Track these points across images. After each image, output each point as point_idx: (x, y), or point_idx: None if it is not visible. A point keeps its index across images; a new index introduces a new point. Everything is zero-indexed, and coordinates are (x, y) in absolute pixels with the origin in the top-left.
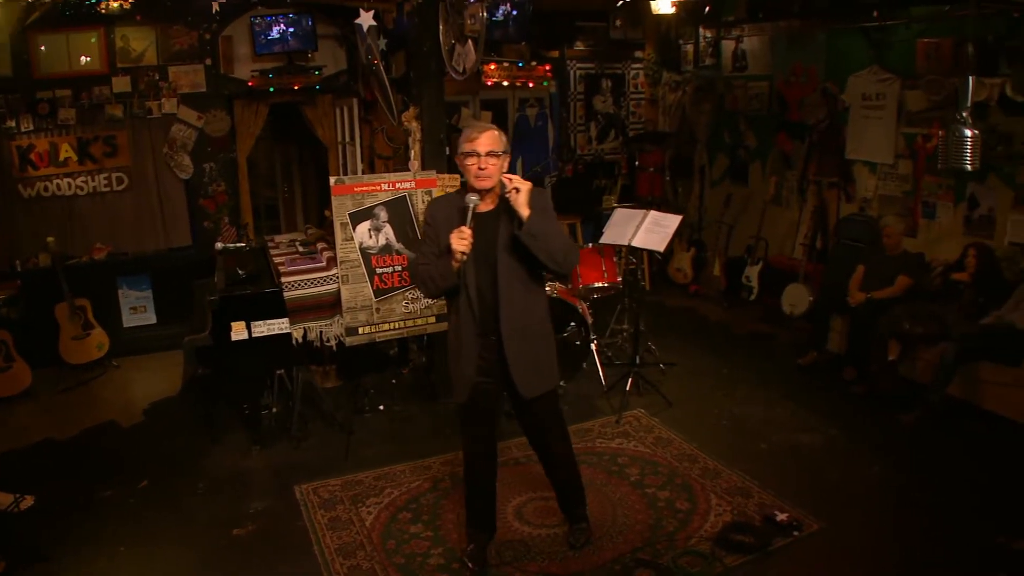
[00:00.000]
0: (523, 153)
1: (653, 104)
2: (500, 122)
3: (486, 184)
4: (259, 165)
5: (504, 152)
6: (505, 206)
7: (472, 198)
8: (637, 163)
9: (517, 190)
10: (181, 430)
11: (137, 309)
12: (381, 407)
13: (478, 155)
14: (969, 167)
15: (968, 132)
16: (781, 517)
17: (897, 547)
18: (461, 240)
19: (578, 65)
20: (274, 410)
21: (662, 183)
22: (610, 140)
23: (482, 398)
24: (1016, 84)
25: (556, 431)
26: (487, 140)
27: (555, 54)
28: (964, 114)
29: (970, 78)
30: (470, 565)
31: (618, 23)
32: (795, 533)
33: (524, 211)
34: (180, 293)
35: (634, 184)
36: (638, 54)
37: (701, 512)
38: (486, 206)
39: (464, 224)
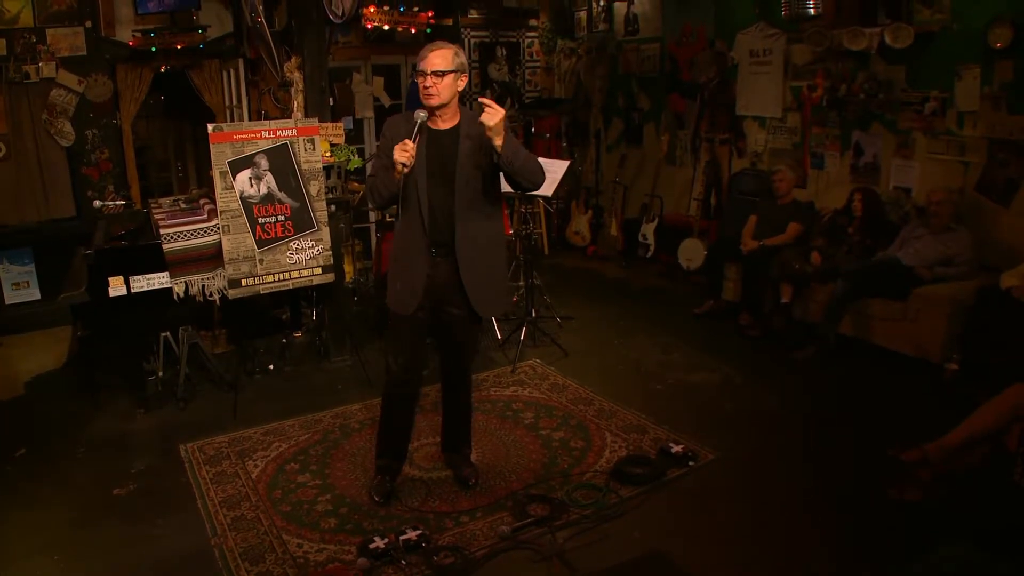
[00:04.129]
0: None
1: (549, 72)
2: (392, 88)
3: (432, 102)
4: (153, 147)
5: (455, 70)
6: (470, 129)
7: (420, 114)
8: (533, 130)
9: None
10: (64, 399)
11: (19, 285)
12: (271, 367)
13: (425, 74)
14: (812, 11)
15: None
16: (676, 449)
17: (791, 470)
18: (403, 152)
19: (472, 33)
20: (160, 375)
21: (559, 148)
22: (506, 109)
23: (423, 313)
24: None
25: (471, 355)
26: (432, 59)
27: (448, 22)
28: None
29: None
30: (376, 498)
31: None
32: (690, 463)
33: (496, 140)
34: (65, 267)
35: (531, 151)
36: (532, 22)
37: (596, 449)
38: (445, 123)
39: (409, 138)
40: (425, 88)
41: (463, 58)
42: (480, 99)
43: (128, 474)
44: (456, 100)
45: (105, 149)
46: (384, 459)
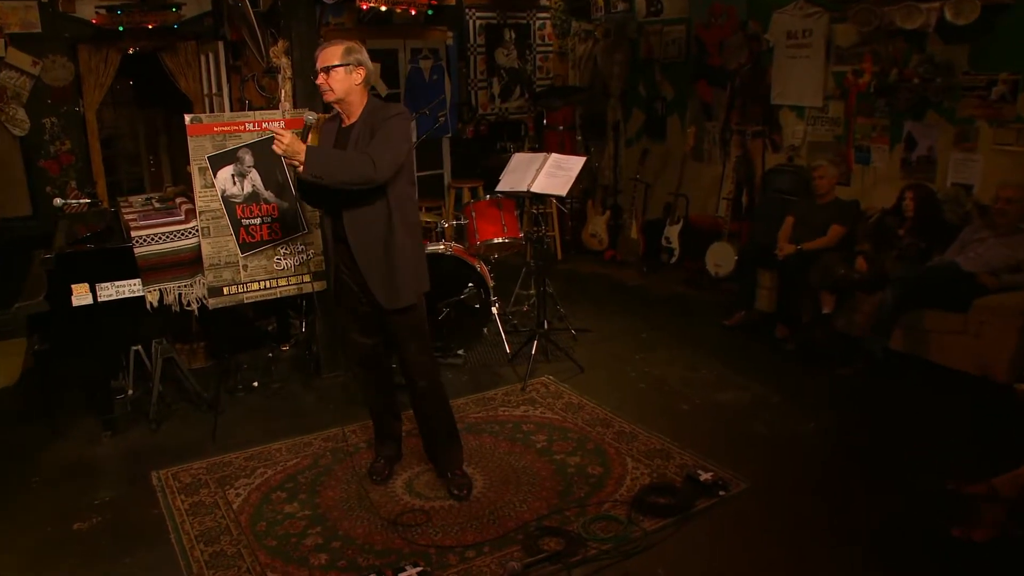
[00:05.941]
0: (417, 110)
1: (562, 57)
2: (390, 75)
3: (327, 98)
4: (122, 138)
5: (345, 64)
6: (366, 121)
7: (308, 116)
8: (545, 122)
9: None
10: (16, 422)
11: None
12: (255, 384)
13: (317, 72)
14: None
15: None
16: (705, 477)
17: (834, 503)
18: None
19: (478, 15)
20: (130, 393)
21: (573, 143)
22: (515, 98)
23: (355, 302)
24: None
25: (416, 352)
26: (322, 56)
27: (451, 2)
28: None
29: None
30: (373, 479)
31: None
32: (721, 493)
33: (294, 162)
34: (20, 272)
35: (542, 145)
36: (544, 2)
37: (616, 476)
38: (350, 119)
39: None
40: (319, 86)
41: (360, 54)
42: (270, 128)
43: (91, 506)
44: (359, 94)
45: (66, 140)
46: (376, 442)
